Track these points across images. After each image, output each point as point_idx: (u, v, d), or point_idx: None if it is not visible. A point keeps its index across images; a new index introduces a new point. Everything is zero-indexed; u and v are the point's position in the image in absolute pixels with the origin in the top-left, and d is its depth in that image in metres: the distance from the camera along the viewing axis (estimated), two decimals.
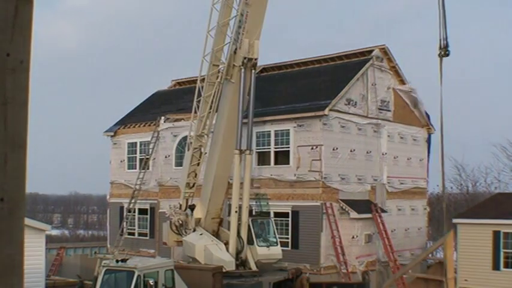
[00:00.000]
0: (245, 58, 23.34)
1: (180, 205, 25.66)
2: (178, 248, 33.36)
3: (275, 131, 29.77)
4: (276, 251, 24.38)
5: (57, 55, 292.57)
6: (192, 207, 25.19)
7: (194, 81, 36.33)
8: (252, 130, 24.66)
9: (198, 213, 24.76)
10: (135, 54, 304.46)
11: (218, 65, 24.74)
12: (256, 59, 23.51)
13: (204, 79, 25.05)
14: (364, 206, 30.09)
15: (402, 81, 33.91)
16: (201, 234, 24.23)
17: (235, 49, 23.56)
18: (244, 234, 23.69)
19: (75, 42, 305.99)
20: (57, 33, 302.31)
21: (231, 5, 24.00)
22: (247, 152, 23.95)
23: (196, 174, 25.71)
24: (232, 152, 23.87)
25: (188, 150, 25.81)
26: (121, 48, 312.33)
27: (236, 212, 23.56)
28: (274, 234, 25.11)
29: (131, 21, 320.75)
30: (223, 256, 23.12)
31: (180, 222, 25.19)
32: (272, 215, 28.02)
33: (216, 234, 24.43)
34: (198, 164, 25.58)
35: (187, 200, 25.74)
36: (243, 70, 23.45)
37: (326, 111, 28.42)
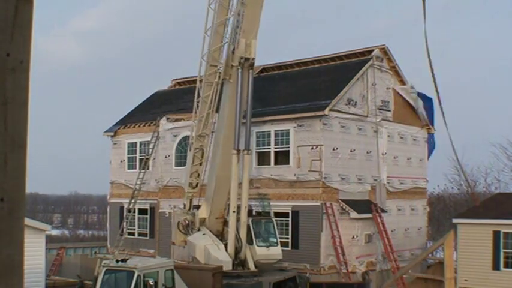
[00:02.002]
0: (242, 58, 23.32)
1: (185, 205, 25.79)
2: (178, 248, 33.37)
3: (275, 131, 29.76)
4: (276, 251, 24.31)
5: (59, 58, 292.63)
6: (199, 207, 25.29)
7: (194, 81, 36.25)
8: (250, 130, 24.59)
9: (203, 213, 24.83)
10: (135, 54, 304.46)
11: (216, 65, 24.78)
12: (253, 59, 23.48)
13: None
14: (364, 206, 30.09)
15: (402, 81, 33.92)
16: (203, 234, 24.35)
17: (233, 49, 23.57)
18: (243, 234, 23.70)
19: (77, 46, 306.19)
20: (64, 42, 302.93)
21: (227, 6, 24.03)
22: (246, 151, 23.93)
23: (199, 174, 25.72)
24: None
25: (190, 150, 25.88)
26: (121, 49, 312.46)
27: (234, 212, 23.61)
28: (275, 234, 25.02)
29: (131, 22, 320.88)
30: (220, 256, 23.19)
31: (187, 222, 25.25)
32: (272, 215, 27.99)
33: (221, 234, 24.47)
34: (201, 164, 25.59)
35: (191, 199, 25.78)
36: (240, 70, 23.45)
37: (326, 111, 28.41)
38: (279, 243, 24.75)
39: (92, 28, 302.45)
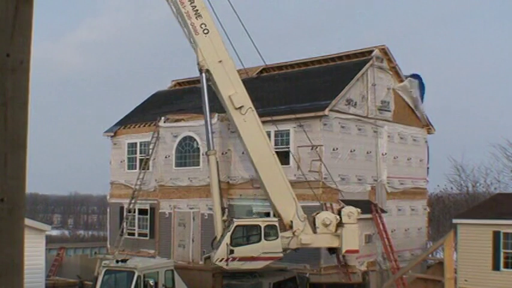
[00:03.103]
0: (198, 64, 24.20)
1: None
2: (178, 249, 33.39)
3: (275, 131, 29.74)
4: (213, 254, 23.09)
5: (59, 60, 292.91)
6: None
7: (194, 82, 36.23)
8: (210, 130, 24.56)
9: None
10: (135, 55, 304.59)
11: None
12: (201, 62, 24.05)
13: None
14: (364, 206, 30.05)
15: (402, 82, 33.90)
16: None
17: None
18: (218, 235, 23.69)
19: (78, 48, 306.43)
20: (67, 46, 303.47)
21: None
22: (210, 152, 24.23)
23: None
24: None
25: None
26: (121, 50, 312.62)
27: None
28: (225, 238, 23.11)
29: (131, 23, 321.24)
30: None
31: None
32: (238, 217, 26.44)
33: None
34: None
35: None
36: (202, 75, 24.14)
37: (326, 112, 28.40)
38: (220, 247, 22.76)
39: (94, 32, 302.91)
